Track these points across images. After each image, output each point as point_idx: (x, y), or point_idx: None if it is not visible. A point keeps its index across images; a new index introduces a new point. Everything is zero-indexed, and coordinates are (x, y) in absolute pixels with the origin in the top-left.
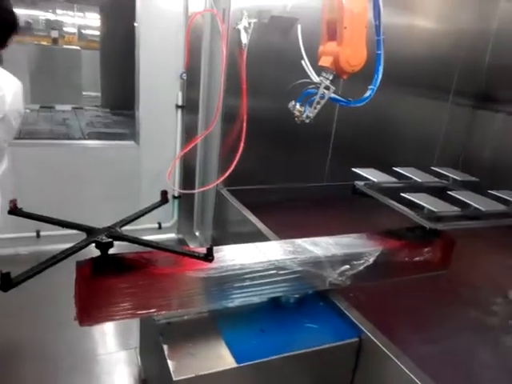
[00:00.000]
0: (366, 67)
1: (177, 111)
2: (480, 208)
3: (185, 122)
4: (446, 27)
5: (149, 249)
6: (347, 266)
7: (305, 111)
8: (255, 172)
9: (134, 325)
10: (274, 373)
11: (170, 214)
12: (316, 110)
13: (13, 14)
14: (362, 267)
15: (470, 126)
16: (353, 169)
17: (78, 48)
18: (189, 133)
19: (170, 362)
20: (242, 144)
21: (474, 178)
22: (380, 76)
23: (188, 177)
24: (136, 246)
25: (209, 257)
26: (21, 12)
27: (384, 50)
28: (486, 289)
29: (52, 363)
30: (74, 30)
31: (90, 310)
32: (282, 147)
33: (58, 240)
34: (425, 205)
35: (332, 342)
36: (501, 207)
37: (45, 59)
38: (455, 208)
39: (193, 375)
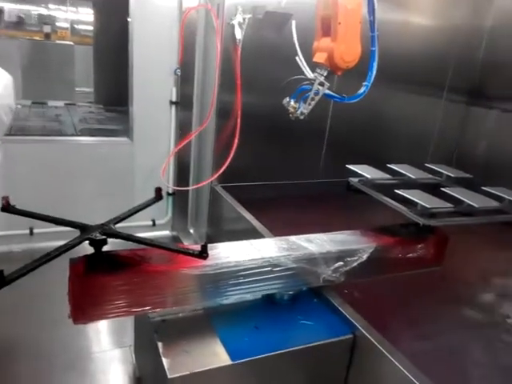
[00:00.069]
0: (360, 63)
1: (171, 107)
2: (473, 204)
3: (179, 118)
4: (440, 23)
5: (143, 246)
6: (341, 263)
7: (299, 107)
8: (250, 169)
9: (129, 323)
10: (268, 369)
11: (164, 211)
12: (310, 107)
13: None
14: (355, 264)
15: (463, 122)
16: (347, 165)
17: (70, 43)
18: (183, 129)
19: (164, 360)
20: (236, 140)
21: (467, 175)
22: (374, 72)
23: (182, 173)
24: (130, 243)
25: (203, 254)
26: (13, 7)
27: (378, 47)
28: (479, 285)
29: (46, 361)
30: (67, 25)
31: (84, 308)
32: (276, 144)
33: (52, 237)
34: (418, 201)
35: (326, 338)
36: (494, 204)
37: (37, 54)
38: (448, 204)
39: (187, 373)
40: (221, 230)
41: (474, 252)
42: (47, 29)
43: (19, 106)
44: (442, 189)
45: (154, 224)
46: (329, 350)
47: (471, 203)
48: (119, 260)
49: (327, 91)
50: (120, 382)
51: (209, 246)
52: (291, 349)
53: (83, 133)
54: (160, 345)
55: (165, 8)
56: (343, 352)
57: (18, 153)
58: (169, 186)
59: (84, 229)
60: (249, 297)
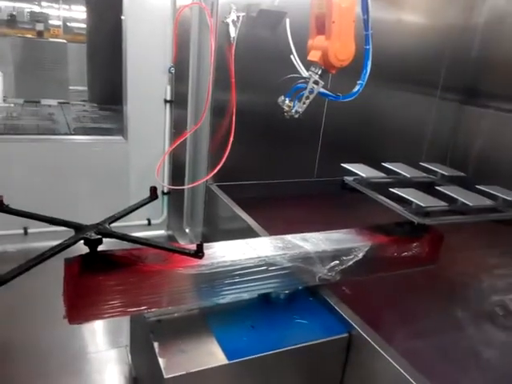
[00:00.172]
0: (354, 62)
1: (165, 106)
2: (467, 203)
3: (173, 116)
4: (434, 22)
5: (138, 246)
6: (337, 262)
7: (294, 106)
8: (245, 167)
9: (125, 323)
10: (264, 369)
11: (159, 210)
12: (305, 105)
13: None
14: (351, 262)
15: (457, 121)
16: (342, 164)
17: (63, 41)
18: (177, 128)
19: (160, 360)
20: (231, 139)
21: (461, 173)
22: (368, 71)
23: (177, 172)
24: (125, 242)
25: (199, 253)
26: (4, 4)
27: (372, 45)
28: (474, 283)
29: (41, 362)
30: (60, 23)
31: (79, 308)
32: (271, 142)
33: (46, 237)
34: (413, 200)
35: (322, 337)
36: (488, 202)
37: (30, 52)
38: (443, 203)
39: (184, 372)
40: (216, 229)
41: (469, 250)
42: (40, 26)
43: (12, 105)
44: (437, 187)
45: (149, 223)
46: (325, 349)
47: (465, 202)
48: (114, 260)
49: (322, 90)
50: (116, 383)
51: (204, 245)
52: (287, 348)
53: (77, 132)
54: (156, 345)
55: (158, 6)
56: (339, 351)
57: (11, 152)
58: (164, 185)
59: (79, 228)
60: (245, 296)
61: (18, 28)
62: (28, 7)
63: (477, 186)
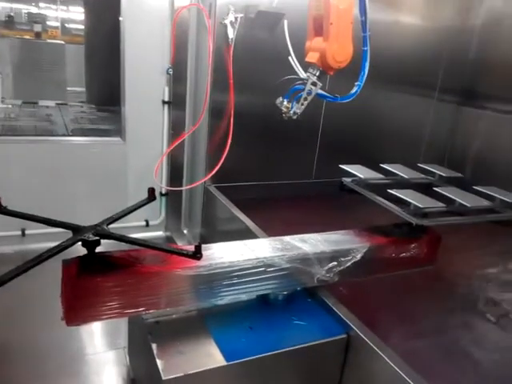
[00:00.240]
0: (352, 63)
1: (163, 107)
2: (465, 204)
3: (171, 117)
4: (431, 24)
5: (136, 247)
6: (335, 263)
7: (292, 107)
8: (243, 169)
9: (122, 324)
10: (263, 370)
11: (157, 211)
12: (303, 106)
13: None
14: (349, 263)
15: (455, 122)
16: (340, 165)
17: (61, 42)
18: (176, 129)
19: (158, 361)
20: (229, 140)
21: (459, 174)
22: (366, 72)
23: (175, 174)
24: (123, 244)
25: (197, 255)
26: (2, 5)
27: (370, 47)
28: (471, 284)
29: (39, 363)
30: (58, 24)
31: (77, 310)
32: (269, 143)
33: (44, 238)
34: (411, 201)
35: (320, 338)
36: (486, 203)
37: (28, 54)
38: (441, 204)
39: (182, 374)
40: (215, 231)
41: (467, 251)
42: (38, 28)
43: (10, 106)
44: (435, 188)
45: (147, 225)
46: (323, 350)
47: (463, 203)
48: (112, 261)
49: (320, 91)
50: None
51: (203, 246)
52: (286, 349)
53: (75, 133)
54: (154, 346)
55: (156, 7)
56: (337, 352)
57: (9, 153)
58: (162, 186)
59: (77, 230)
60: (243, 297)
61: (15, 29)
62: (26, 8)
63: (474, 187)
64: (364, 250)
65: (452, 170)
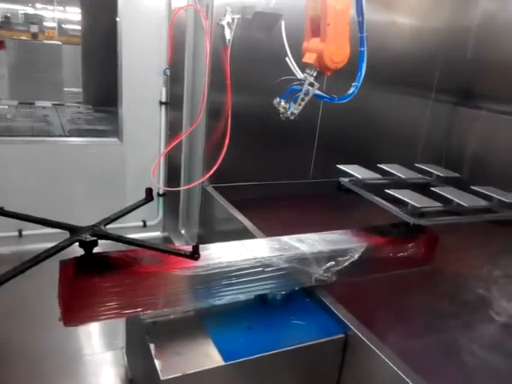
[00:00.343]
0: (349, 64)
1: (160, 107)
2: (463, 204)
3: (169, 118)
4: (427, 24)
5: (134, 247)
6: (333, 263)
7: (289, 108)
8: (241, 169)
9: (120, 325)
10: (261, 370)
11: (155, 211)
12: (300, 107)
13: None
14: (347, 263)
15: (452, 122)
16: (337, 165)
17: (58, 43)
18: (173, 129)
19: (157, 362)
20: (226, 141)
21: (456, 174)
22: (363, 73)
23: (173, 174)
24: (121, 244)
25: (195, 255)
26: None
27: (367, 47)
28: (469, 283)
29: (37, 364)
30: (54, 25)
31: (75, 310)
32: (266, 144)
33: (41, 239)
34: (408, 201)
35: (318, 338)
36: (483, 203)
37: (24, 54)
38: (438, 204)
39: (180, 374)
40: (212, 231)
41: (464, 251)
42: (34, 28)
43: (6, 107)
44: (432, 188)
45: (144, 225)
46: (321, 350)
47: (460, 202)
48: (110, 261)
49: (317, 92)
50: None
51: (200, 246)
52: (284, 349)
53: (72, 133)
54: (152, 346)
55: (153, 8)
56: (335, 351)
57: (6, 154)
58: (159, 186)
59: (74, 230)
60: (241, 297)
61: (12, 30)
62: (22, 9)
63: (471, 187)
64: (362, 250)
65: (449, 169)
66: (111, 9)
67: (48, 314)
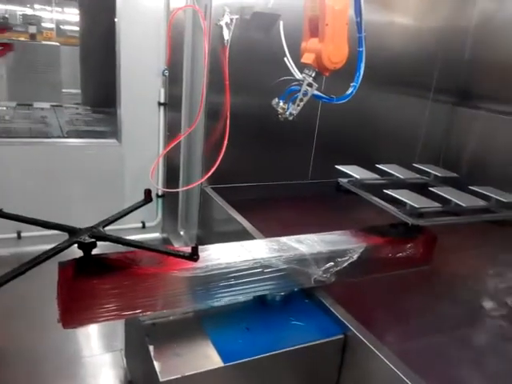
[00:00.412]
0: (347, 64)
1: (159, 108)
2: (461, 204)
3: (167, 119)
4: (426, 25)
5: (133, 249)
6: (332, 263)
7: (288, 108)
8: (239, 170)
9: (119, 326)
10: (260, 371)
11: (153, 213)
12: (299, 107)
13: None
14: (346, 264)
15: (450, 123)
16: (336, 166)
17: (56, 44)
18: (172, 130)
19: (156, 363)
20: (225, 142)
21: (454, 174)
22: (362, 73)
23: (172, 175)
24: (120, 246)
25: (194, 256)
26: None
27: (365, 48)
28: (467, 283)
29: (36, 366)
30: (53, 26)
31: (74, 312)
32: (265, 144)
33: (40, 241)
34: (407, 201)
35: (318, 339)
36: (481, 203)
37: (22, 55)
38: (437, 204)
39: (179, 376)
40: (211, 232)
41: (462, 251)
42: (32, 29)
43: (4, 108)
44: (430, 188)
45: (143, 226)
46: (321, 351)
47: (459, 202)
48: (109, 263)
49: (316, 92)
50: None
51: (199, 247)
52: (283, 350)
53: (70, 135)
54: (151, 348)
55: (152, 8)
56: (335, 352)
57: (4, 155)
58: (158, 187)
59: (73, 232)
60: (240, 298)
61: (10, 31)
62: (20, 10)
63: (470, 187)
64: (360, 251)
65: (447, 170)
66: (109, 9)
67: (47, 316)
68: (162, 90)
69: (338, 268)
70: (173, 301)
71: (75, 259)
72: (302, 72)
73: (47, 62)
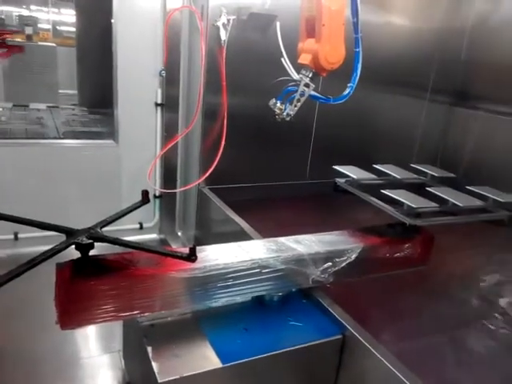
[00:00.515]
0: (344, 65)
1: (156, 109)
2: (458, 204)
3: (165, 120)
4: (423, 25)
5: (130, 250)
6: (330, 264)
7: (285, 109)
8: (237, 170)
9: (117, 327)
10: (259, 372)
11: (151, 214)
12: (296, 108)
13: None
14: (344, 264)
15: (447, 123)
16: (333, 166)
17: (53, 45)
18: (169, 131)
19: (154, 364)
20: (223, 142)
21: (451, 174)
22: (358, 74)
23: (169, 176)
24: (117, 247)
25: (192, 257)
26: None
27: (362, 48)
28: (465, 283)
29: (34, 367)
30: (49, 27)
31: (71, 313)
32: (263, 145)
33: (37, 242)
34: (404, 201)
35: (316, 339)
36: (478, 203)
37: (19, 56)
38: (434, 204)
39: (178, 376)
40: (209, 233)
41: (460, 251)
42: (29, 30)
43: (0, 109)
44: (427, 188)
45: (141, 227)
46: (319, 351)
47: (456, 202)
48: (106, 264)
49: (313, 92)
50: None
51: (197, 248)
52: (281, 350)
53: (66, 136)
54: (149, 349)
55: (148, 9)
56: (333, 352)
57: (0, 156)
58: (156, 188)
59: (70, 233)
60: (238, 299)
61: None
62: (17, 11)
63: (467, 187)
64: (358, 251)
65: (444, 170)
66: (106, 10)
67: (45, 317)
68: (159, 91)
69: (336, 268)
70: (171, 302)
71: (73, 260)
72: (298, 72)
73: (44, 63)
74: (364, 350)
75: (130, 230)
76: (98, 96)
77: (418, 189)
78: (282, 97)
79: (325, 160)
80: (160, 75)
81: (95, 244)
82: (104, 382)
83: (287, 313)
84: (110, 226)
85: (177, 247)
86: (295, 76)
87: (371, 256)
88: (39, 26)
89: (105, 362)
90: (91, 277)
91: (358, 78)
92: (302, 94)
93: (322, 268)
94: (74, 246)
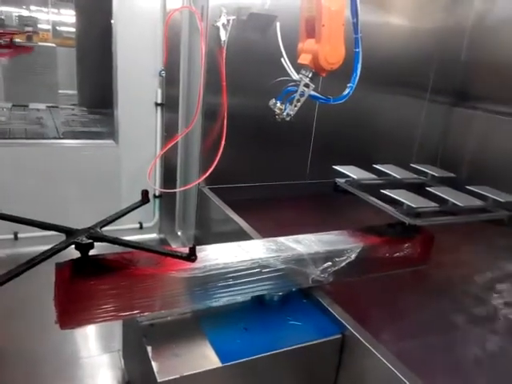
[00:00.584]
0: (344, 65)
1: (156, 109)
2: (458, 203)
3: (165, 120)
4: (422, 25)
5: (130, 249)
6: (329, 263)
7: (285, 109)
8: (237, 170)
9: (117, 327)
10: (258, 371)
11: (151, 213)
12: (296, 108)
13: None
14: (344, 264)
15: (447, 123)
16: (333, 166)
17: (53, 45)
18: (169, 131)
19: (154, 364)
20: (223, 142)
21: (451, 174)
22: (358, 74)
23: (169, 176)
24: (117, 246)
25: (192, 256)
26: None
27: (362, 48)
28: (465, 283)
29: (34, 367)
30: (49, 27)
31: (71, 313)
32: (263, 145)
33: (37, 242)
34: (404, 201)
35: (316, 338)
36: (478, 202)
37: (19, 56)
38: (434, 204)
39: (177, 376)
40: (209, 232)
41: (459, 251)
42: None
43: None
44: (427, 188)
45: (141, 227)
46: (318, 350)
47: (456, 202)
48: (106, 264)
49: (312, 92)
50: None
51: (197, 248)
52: (281, 350)
53: (66, 136)
54: (149, 349)
55: (148, 9)
56: (333, 352)
57: (0, 156)
58: (156, 188)
59: (70, 233)
60: (238, 299)
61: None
62: (16, 11)
63: (467, 187)
64: (358, 250)
65: (444, 170)
66: (106, 11)
67: (44, 317)
68: (159, 91)
69: (336, 268)
70: (171, 301)
71: (72, 260)
72: (298, 73)
73: (44, 63)
74: (364, 350)
75: (129, 230)
76: (98, 96)
77: (417, 189)
78: (282, 97)
79: (325, 160)
80: (160, 75)
81: (95, 244)
82: (104, 382)
83: (287, 312)
84: (110, 226)
85: (177, 247)
86: (295, 76)
87: (371, 256)
88: (39, 26)
89: (104, 361)
90: (91, 276)
91: (357, 78)
92: (302, 94)
93: (321, 268)
94: (73, 246)
